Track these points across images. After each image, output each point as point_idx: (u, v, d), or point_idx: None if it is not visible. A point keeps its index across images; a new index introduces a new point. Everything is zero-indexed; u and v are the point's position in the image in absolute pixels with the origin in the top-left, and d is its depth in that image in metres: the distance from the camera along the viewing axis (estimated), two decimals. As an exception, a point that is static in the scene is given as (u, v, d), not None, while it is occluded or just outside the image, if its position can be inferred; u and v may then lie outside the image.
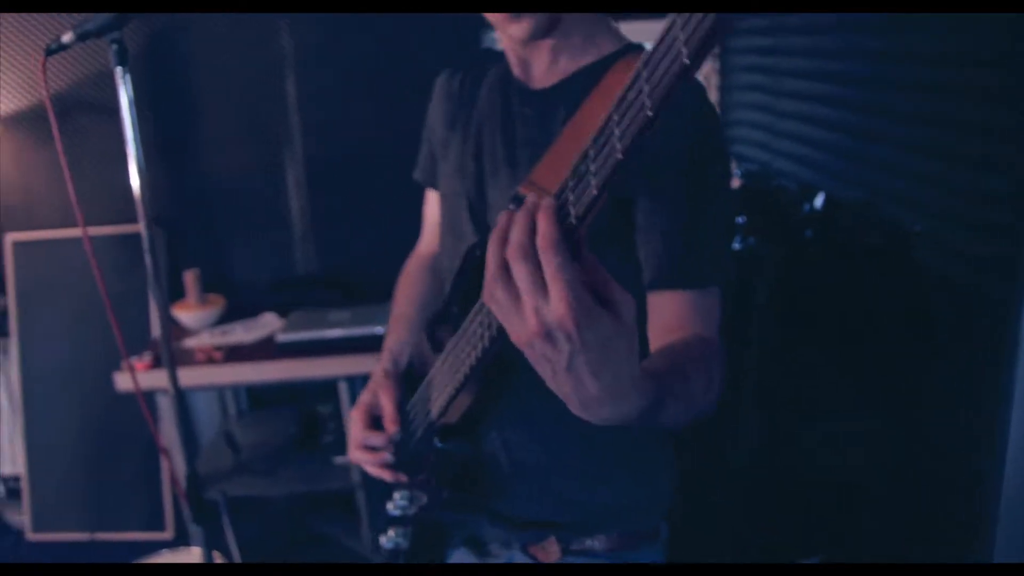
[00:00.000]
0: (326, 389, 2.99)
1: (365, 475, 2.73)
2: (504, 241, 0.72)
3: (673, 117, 1.06)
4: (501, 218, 0.73)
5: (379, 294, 2.90)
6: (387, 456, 1.26)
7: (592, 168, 0.70)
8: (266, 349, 2.75)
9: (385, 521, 1.36)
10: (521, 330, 0.71)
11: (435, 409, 1.19)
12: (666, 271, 1.08)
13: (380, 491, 1.38)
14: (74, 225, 3.23)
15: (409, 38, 3.02)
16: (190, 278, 3.00)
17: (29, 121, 3.23)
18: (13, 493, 3.47)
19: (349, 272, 3.20)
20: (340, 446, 2.83)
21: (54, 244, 3.24)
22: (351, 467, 2.74)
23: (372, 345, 2.61)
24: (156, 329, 3.14)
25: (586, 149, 0.71)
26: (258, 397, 3.30)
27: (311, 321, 2.76)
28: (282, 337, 2.71)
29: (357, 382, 2.67)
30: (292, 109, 3.15)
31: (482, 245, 1.14)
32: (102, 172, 3.25)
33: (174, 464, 2.88)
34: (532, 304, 0.68)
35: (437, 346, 1.22)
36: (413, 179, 1.54)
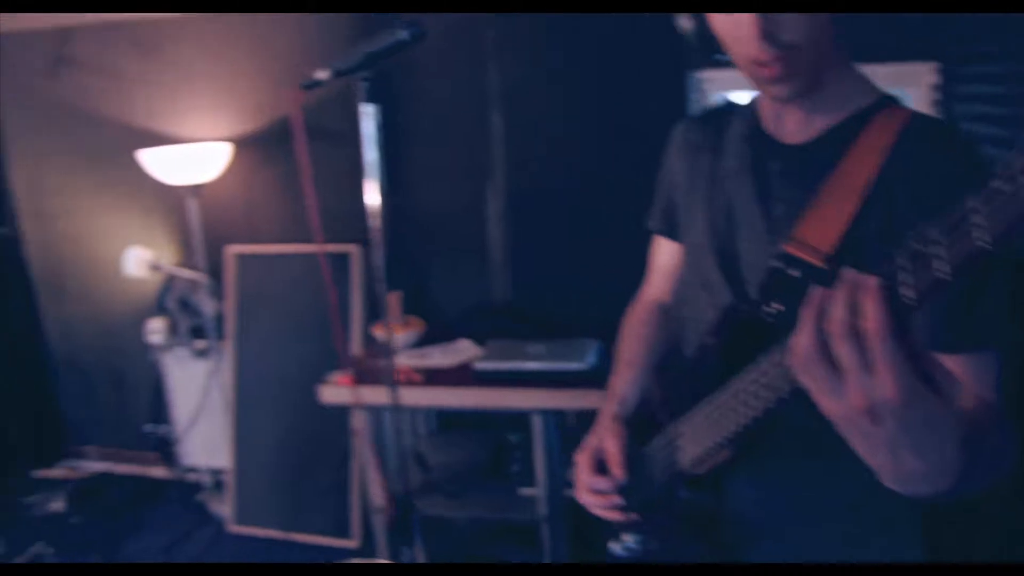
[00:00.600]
0: (513, 417, 3.05)
1: (553, 510, 2.76)
2: (820, 316, 0.72)
3: (959, 173, 1.02)
4: (815, 294, 0.73)
5: (573, 330, 2.94)
6: (616, 500, 1.29)
7: (940, 252, 0.66)
8: (463, 375, 2.82)
9: (609, 559, 1.38)
10: (839, 404, 0.72)
11: (685, 459, 1.19)
12: (949, 335, 1.04)
13: (601, 529, 1.40)
14: (289, 241, 3.46)
15: (616, 74, 3.04)
16: (393, 300, 3.13)
17: (257, 143, 3.48)
18: (219, 485, 3.73)
19: (545, 305, 3.24)
20: (527, 477, 2.87)
21: (271, 258, 3.47)
22: (537, 499, 2.77)
23: (567, 381, 2.66)
24: (357, 346, 3.30)
25: (922, 229, 0.68)
26: (446, 418, 3.39)
27: (508, 352, 2.81)
28: (480, 365, 2.78)
29: (550, 416, 2.70)
30: (498, 142, 3.23)
31: (745, 303, 1.16)
32: (315, 192, 3.45)
33: (368, 477, 3.02)
34: (857, 382, 0.69)
35: (673, 394, 1.22)
36: (647, 227, 1.55)
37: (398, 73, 3.25)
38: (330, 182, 3.41)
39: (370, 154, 1.84)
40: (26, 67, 3.76)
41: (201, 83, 3.52)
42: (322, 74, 1.69)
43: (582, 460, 1.35)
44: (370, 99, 1.72)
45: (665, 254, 1.55)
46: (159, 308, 3.61)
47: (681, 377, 1.29)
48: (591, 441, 1.36)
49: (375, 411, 2.96)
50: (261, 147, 3.49)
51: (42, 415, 4.13)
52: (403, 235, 3.39)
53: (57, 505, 3.78)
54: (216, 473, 3.78)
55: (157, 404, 3.85)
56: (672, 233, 1.47)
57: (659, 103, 2.97)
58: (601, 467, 1.33)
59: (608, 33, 3.00)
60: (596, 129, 3.11)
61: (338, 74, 1.68)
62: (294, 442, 3.43)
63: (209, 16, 3.42)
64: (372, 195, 1.91)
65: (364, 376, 2.85)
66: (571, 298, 3.17)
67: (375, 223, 1.92)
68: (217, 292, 3.52)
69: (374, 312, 3.30)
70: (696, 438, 1.16)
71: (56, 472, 4.14)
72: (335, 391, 2.86)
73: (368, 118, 1.81)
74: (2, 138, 3.88)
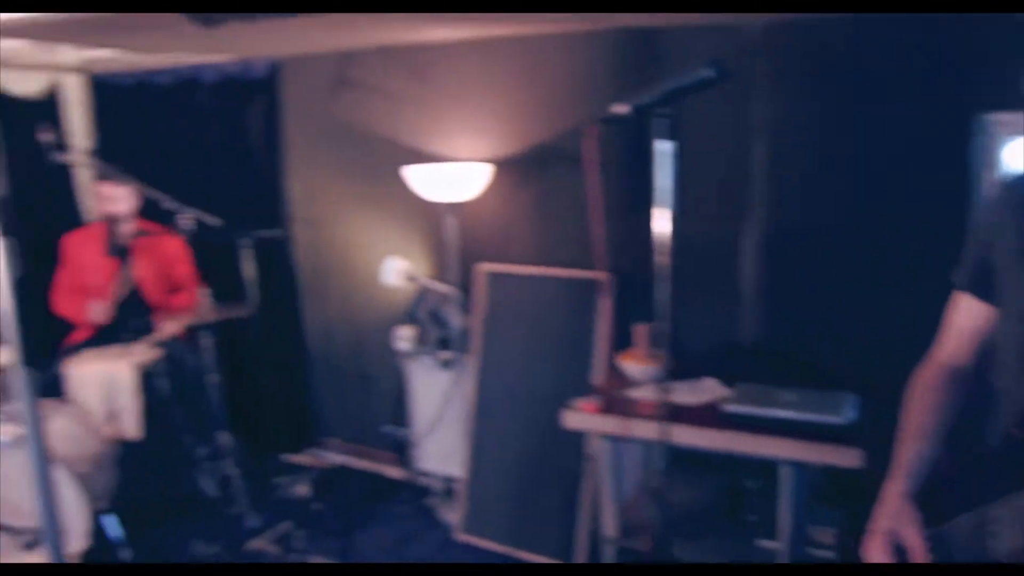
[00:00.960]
0: (752, 463, 2.94)
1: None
2: None
3: None
4: None
5: (828, 379, 2.80)
6: None
7: None
8: (708, 415, 2.76)
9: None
10: None
11: (1004, 548, 1.12)
12: None
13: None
14: (539, 263, 3.54)
15: (891, 110, 2.88)
16: (641, 331, 3.12)
17: (516, 166, 3.60)
18: (449, 493, 3.87)
19: (798, 351, 3.11)
20: (766, 528, 2.76)
21: (521, 278, 3.56)
22: (778, 554, 2.65)
23: (822, 434, 2.52)
24: (600, 374, 3.31)
25: None
26: (678, 455, 3.33)
27: (760, 396, 2.72)
28: (730, 407, 2.71)
29: (800, 468, 2.58)
30: (758, 176, 3.14)
31: None
32: (564, 219, 3.52)
33: (601, 504, 3.02)
34: None
35: (973, 473, 1.13)
36: (953, 283, 1.45)
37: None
38: (583, 209, 3.47)
39: (661, 185, 1.83)
40: (310, 86, 4.11)
41: (466, 106, 3.69)
42: (620, 109, 1.71)
43: (875, 547, 1.26)
44: (669, 136, 1.72)
45: (969, 314, 1.45)
46: (410, 317, 3.81)
47: (985, 457, 1.18)
48: (881, 523, 1.28)
49: (613, 440, 2.96)
50: (519, 170, 3.60)
51: (296, 405, 4.47)
52: (652, 265, 3.38)
53: (302, 489, 4.07)
54: (447, 480, 3.92)
55: (399, 407, 4.05)
56: (983, 294, 1.38)
57: (939, 145, 2.79)
58: (900, 553, 1.25)
59: (887, 67, 2.85)
60: (867, 168, 2.95)
61: (637, 110, 1.70)
62: (527, 460, 3.50)
63: (477, 42, 3.58)
64: (662, 220, 1.90)
65: (609, 405, 2.86)
66: (827, 346, 3.02)
67: (661, 255, 1.91)
68: (466, 307, 3.66)
69: (619, 341, 3.30)
70: (1020, 527, 1.06)
71: (302, 458, 4.46)
72: (579, 417, 2.88)
73: (664, 155, 1.80)
74: (285, 149, 4.25)
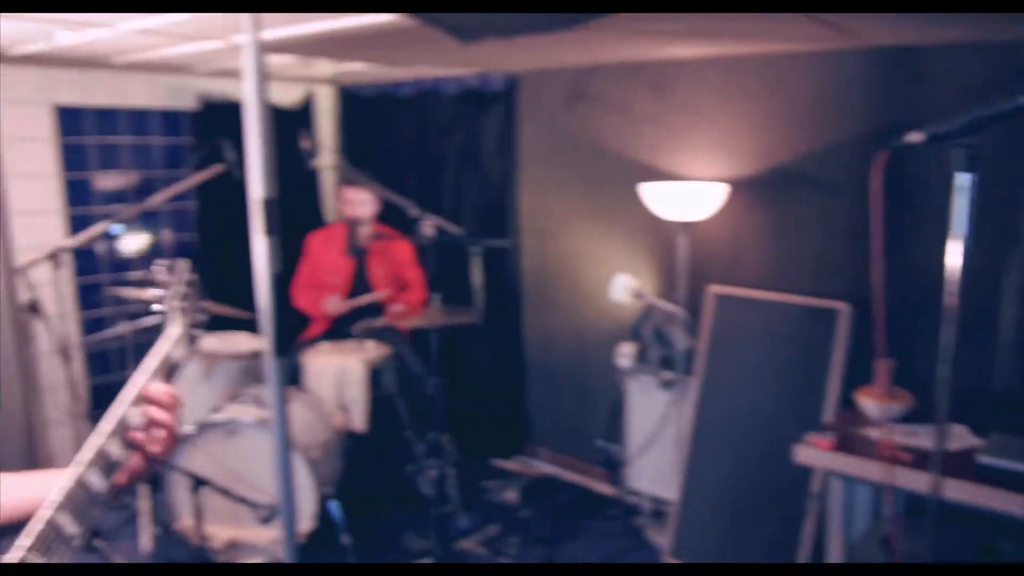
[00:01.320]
0: (1002, 520, 2.68)
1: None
2: None
3: None
4: None
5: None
6: None
7: None
8: (959, 464, 2.54)
9: None
10: None
11: None
12: None
13: None
14: (770, 288, 3.41)
15: None
16: (882, 367, 2.93)
17: (751, 187, 3.49)
18: (658, 514, 3.81)
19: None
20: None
21: (751, 303, 3.45)
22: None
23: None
24: (832, 408, 3.14)
25: None
26: (916, 502, 3.10)
27: (1019, 449, 2.48)
28: (985, 460, 2.48)
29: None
30: (1025, 209, 2.88)
31: None
32: (801, 243, 3.38)
33: (828, 546, 2.86)
34: None
35: None
36: None
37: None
38: (828, 235, 3.32)
39: (958, 227, 1.70)
40: (547, 100, 4.18)
41: (704, 124, 3.62)
42: (915, 137, 1.61)
43: None
44: (968, 168, 1.59)
45: None
46: (633, 334, 3.78)
47: None
48: None
49: (846, 480, 2.79)
50: (755, 191, 3.49)
51: (510, 412, 4.55)
52: (898, 299, 3.17)
53: (511, 495, 4.14)
54: (657, 501, 3.85)
55: (613, 423, 4.03)
56: None
57: None
58: None
59: None
60: None
61: (934, 139, 1.58)
62: (744, 490, 3.37)
63: (719, 59, 3.50)
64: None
65: (845, 443, 2.70)
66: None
67: (950, 294, 1.77)
68: (692, 328, 3.58)
69: (855, 376, 3.12)
70: None
71: (512, 464, 4.54)
72: (811, 452, 2.74)
73: (963, 191, 1.66)
74: (517, 161, 4.35)
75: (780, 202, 3.46)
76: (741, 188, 3.50)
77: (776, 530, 3.25)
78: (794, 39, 2.99)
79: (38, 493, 1.08)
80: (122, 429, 1.10)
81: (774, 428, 3.28)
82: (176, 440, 1.17)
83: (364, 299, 4.10)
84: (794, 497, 3.19)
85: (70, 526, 0.96)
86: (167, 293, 1.41)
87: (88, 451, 1.04)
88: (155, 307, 3.57)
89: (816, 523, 3.12)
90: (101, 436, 1.07)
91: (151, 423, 1.12)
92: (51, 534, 0.94)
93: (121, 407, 1.12)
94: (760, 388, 3.37)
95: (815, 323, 3.27)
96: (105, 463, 1.05)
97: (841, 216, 3.30)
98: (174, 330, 1.36)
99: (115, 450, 1.08)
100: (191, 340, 1.40)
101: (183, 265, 1.47)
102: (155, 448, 1.12)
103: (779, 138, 3.42)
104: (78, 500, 0.98)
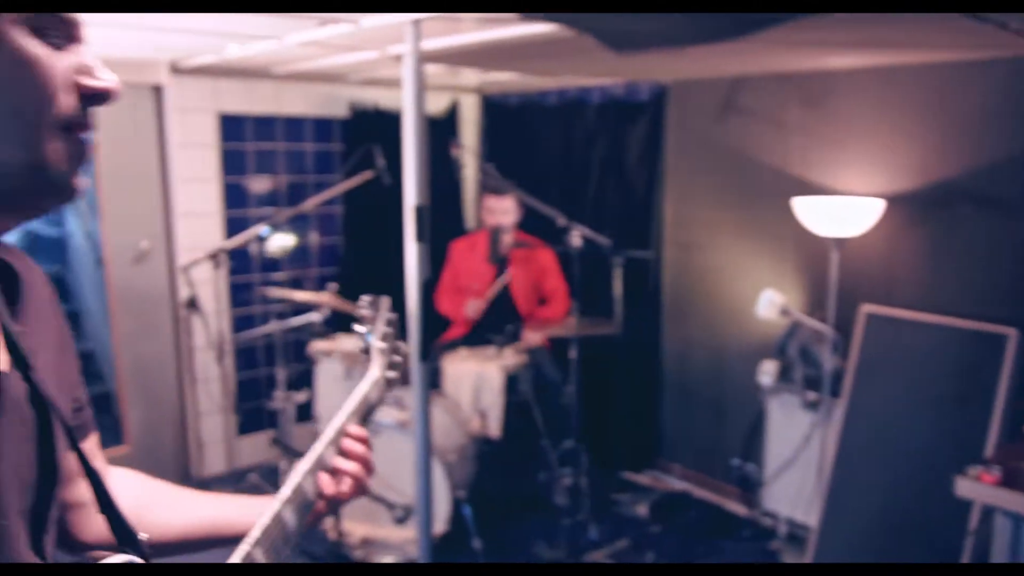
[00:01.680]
0: None
1: None
2: None
3: None
4: None
5: None
6: None
7: None
8: None
9: None
10: None
11: None
12: None
13: None
14: (928, 310, 3.25)
15: None
16: (1055, 398, 2.75)
17: (910, 203, 3.34)
18: (794, 539, 3.68)
19: None
20: None
21: (907, 324, 3.29)
22: None
23: None
24: (995, 437, 2.97)
25: None
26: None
27: None
28: None
29: None
30: None
31: None
32: (963, 264, 3.21)
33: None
34: None
35: None
36: None
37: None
38: (995, 255, 3.15)
39: None
40: (695, 110, 4.12)
41: (859, 137, 3.49)
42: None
43: None
44: None
45: None
46: (778, 352, 3.68)
47: None
48: None
49: (1016, 519, 2.63)
50: (913, 207, 3.34)
51: (644, 425, 4.51)
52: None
53: (641, 509, 4.09)
54: (793, 525, 3.73)
55: (751, 442, 3.94)
56: None
57: None
58: None
59: None
60: None
61: None
62: (889, 520, 3.22)
63: (878, 70, 3.37)
64: None
65: (1012, 478, 2.54)
66: None
67: None
68: (841, 348, 3.46)
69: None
70: None
71: (643, 478, 4.49)
72: (975, 486, 2.59)
73: None
74: (663, 172, 4.31)
75: (941, 219, 3.30)
76: (898, 204, 3.35)
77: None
78: (958, 46, 2.85)
79: (227, 518, 1.10)
80: (319, 468, 1.09)
81: (927, 458, 3.12)
82: (362, 492, 1.14)
83: (497, 284, 4.12)
84: (945, 533, 3.02)
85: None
86: (369, 331, 1.34)
87: (287, 488, 1.02)
88: (312, 314, 3.72)
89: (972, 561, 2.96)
90: (299, 475, 1.05)
91: (339, 472, 1.11)
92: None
93: (319, 446, 1.10)
94: (913, 414, 3.21)
95: (979, 348, 3.09)
96: (302, 501, 1.04)
97: (1008, 236, 3.12)
98: (374, 371, 1.30)
99: (311, 488, 1.06)
100: (388, 384, 1.33)
101: (385, 303, 1.39)
102: (341, 496, 1.11)
103: (939, 152, 3.26)
104: (273, 537, 0.96)
